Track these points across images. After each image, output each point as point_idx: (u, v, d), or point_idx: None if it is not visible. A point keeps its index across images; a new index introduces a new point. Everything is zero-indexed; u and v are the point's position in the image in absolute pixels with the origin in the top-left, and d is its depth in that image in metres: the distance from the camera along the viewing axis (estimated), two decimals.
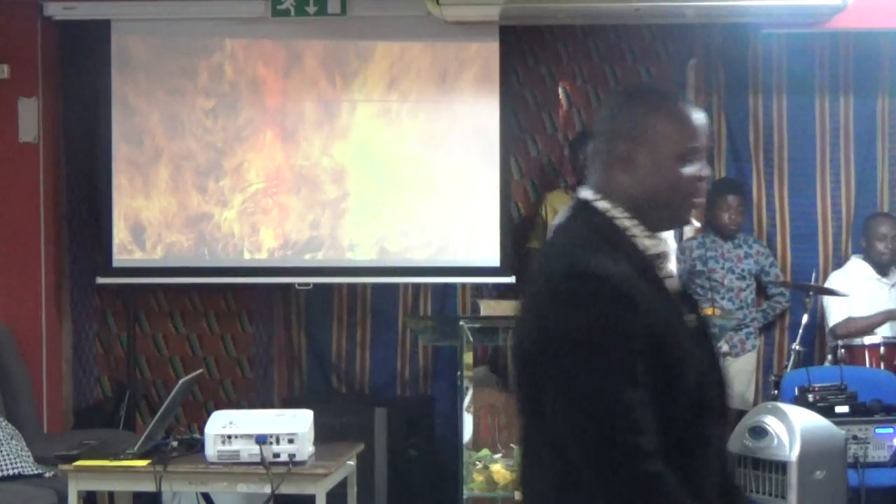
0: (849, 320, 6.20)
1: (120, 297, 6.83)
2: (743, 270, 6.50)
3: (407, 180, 6.52)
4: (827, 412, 5.11)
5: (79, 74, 6.62)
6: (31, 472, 5.26)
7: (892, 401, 5.49)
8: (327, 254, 6.54)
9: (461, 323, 4.13)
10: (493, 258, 6.38)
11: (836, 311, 6.27)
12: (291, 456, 4.50)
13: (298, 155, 6.54)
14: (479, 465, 4.04)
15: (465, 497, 4.04)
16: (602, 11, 6.02)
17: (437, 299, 6.81)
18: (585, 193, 2.46)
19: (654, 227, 2.44)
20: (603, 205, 2.42)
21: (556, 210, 6.45)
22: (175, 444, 4.74)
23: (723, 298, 6.41)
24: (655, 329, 2.29)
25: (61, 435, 6.15)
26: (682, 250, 6.57)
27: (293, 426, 4.56)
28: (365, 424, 6.10)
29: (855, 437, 5.24)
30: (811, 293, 6.25)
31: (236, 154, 6.55)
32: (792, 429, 4.62)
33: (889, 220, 6.36)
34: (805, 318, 6.15)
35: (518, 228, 6.67)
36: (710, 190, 6.56)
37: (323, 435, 4.81)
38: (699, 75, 6.73)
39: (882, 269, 6.33)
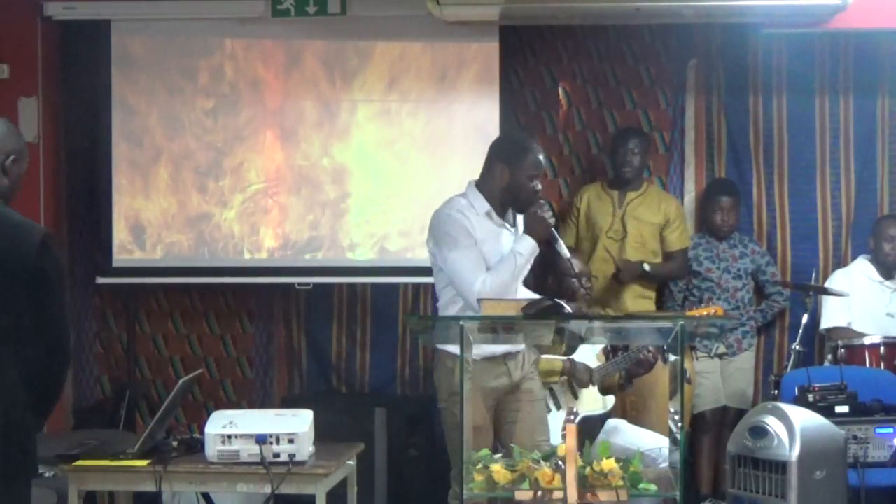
0: (846, 330, 6.20)
1: (120, 297, 6.83)
2: (738, 270, 6.50)
3: (407, 180, 6.53)
4: (827, 412, 5.11)
5: (79, 74, 6.63)
6: None
7: (892, 401, 5.48)
8: (327, 254, 6.54)
9: (461, 323, 4.12)
10: None
11: (833, 314, 6.27)
12: (291, 456, 4.49)
13: (298, 155, 6.54)
14: (479, 465, 4.03)
15: (465, 497, 4.03)
16: (602, 11, 6.03)
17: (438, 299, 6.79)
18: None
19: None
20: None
21: (591, 202, 6.47)
22: (175, 444, 4.74)
23: (719, 299, 6.40)
24: None
25: (61, 435, 6.14)
26: None
27: (293, 426, 4.56)
28: (365, 424, 6.09)
29: (855, 437, 5.24)
30: (811, 293, 6.25)
31: (236, 154, 6.55)
32: (792, 429, 4.61)
33: None
34: (805, 318, 6.15)
35: None
36: (705, 191, 6.67)
37: (323, 435, 4.80)
38: (699, 75, 6.73)
39: (887, 272, 6.33)
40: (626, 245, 6.38)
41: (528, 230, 4.72)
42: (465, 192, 4.79)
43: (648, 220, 6.42)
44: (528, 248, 4.69)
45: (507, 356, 4.80)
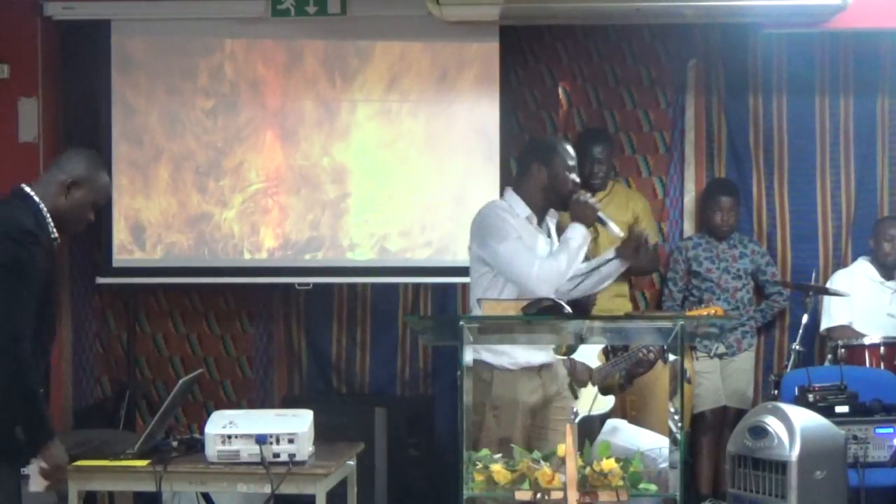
0: (847, 329, 6.20)
1: (120, 297, 6.83)
2: (738, 270, 6.50)
3: (407, 180, 6.53)
4: (827, 412, 5.11)
5: (79, 74, 6.63)
6: None
7: (892, 401, 5.48)
8: (327, 254, 6.54)
9: (461, 323, 4.11)
10: None
11: (835, 312, 6.27)
12: (291, 456, 4.49)
13: (298, 155, 6.54)
14: (479, 465, 4.03)
15: (465, 497, 4.03)
16: (602, 11, 6.02)
17: (437, 299, 6.81)
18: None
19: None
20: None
21: None
22: (175, 444, 4.74)
23: (718, 299, 6.40)
24: None
25: (61, 435, 6.13)
26: (678, 250, 6.58)
27: (293, 426, 4.56)
28: (365, 424, 6.09)
29: (855, 437, 5.24)
30: (811, 293, 6.25)
31: (236, 154, 6.55)
32: (792, 429, 4.62)
33: None
34: (805, 318, 6.15)
35: None
36: (704, 191, 6.67)
37: (323, 435, 4.81)
38: (699, 75, 6.73)
39: (887, 272, 6.33)
40: (599, 246, 6.38)
41: (576, 218, 4.65)
42: (504, 198, 4.78)
43: (618, 218, 6.38)
44: (580, 234, 4.62)
45: (542, 367, 4.75)
